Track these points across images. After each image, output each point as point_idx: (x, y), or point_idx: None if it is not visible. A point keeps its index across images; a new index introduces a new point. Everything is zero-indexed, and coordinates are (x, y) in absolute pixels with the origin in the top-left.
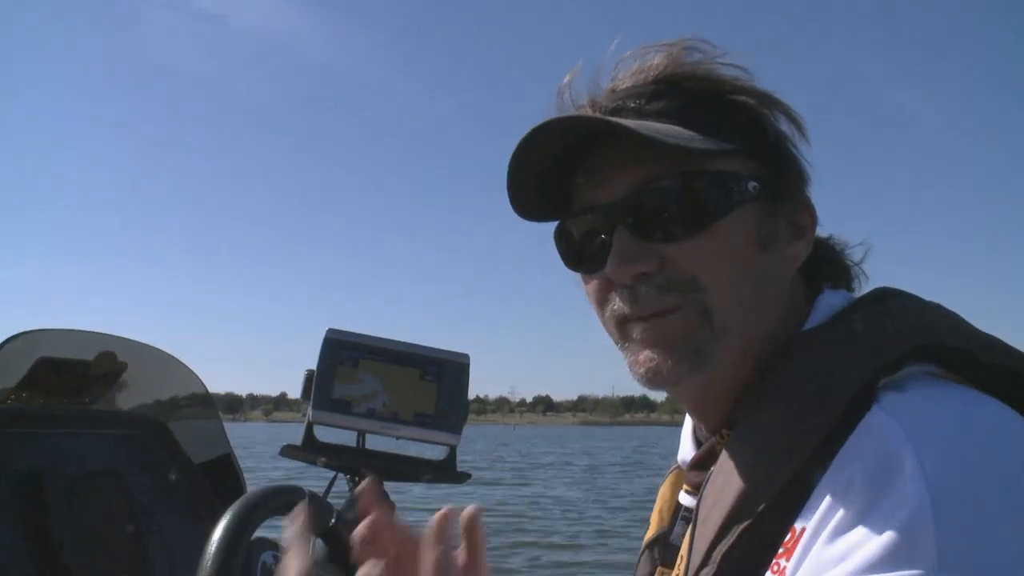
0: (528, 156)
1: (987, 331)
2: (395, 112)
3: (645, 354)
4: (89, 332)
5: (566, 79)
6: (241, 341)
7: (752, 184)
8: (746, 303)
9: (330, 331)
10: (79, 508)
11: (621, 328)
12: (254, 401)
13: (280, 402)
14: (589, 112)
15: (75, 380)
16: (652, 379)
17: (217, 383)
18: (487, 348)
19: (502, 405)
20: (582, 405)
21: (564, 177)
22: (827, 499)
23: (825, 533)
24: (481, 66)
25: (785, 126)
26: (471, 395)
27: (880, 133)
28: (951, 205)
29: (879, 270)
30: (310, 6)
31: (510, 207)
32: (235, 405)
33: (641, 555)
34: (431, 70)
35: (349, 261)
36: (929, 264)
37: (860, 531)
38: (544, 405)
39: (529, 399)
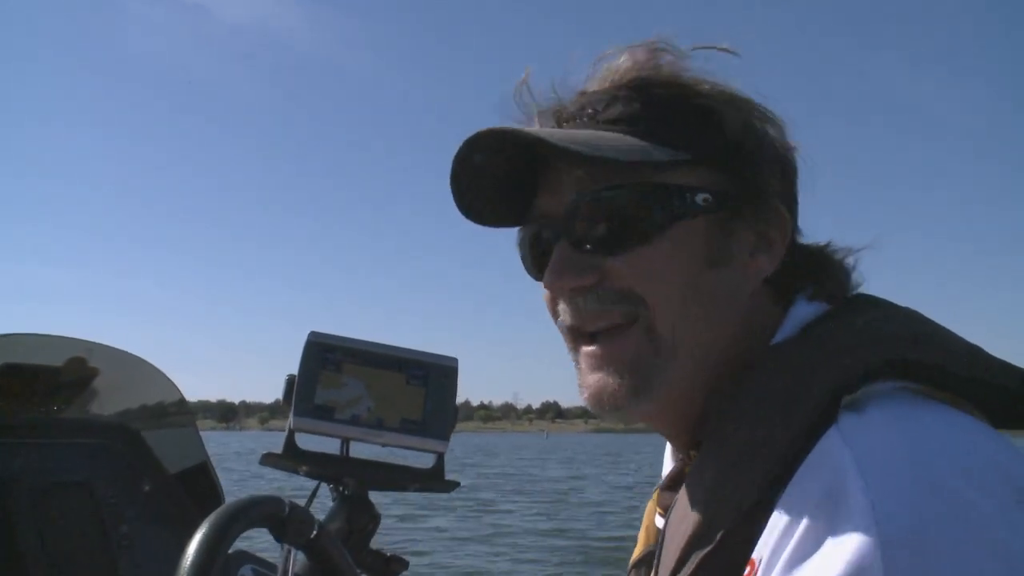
0: (468, 169)
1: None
2: (385, 107)
3: (589, 377)
4: (58, 337)
5: (520, 80)
6: (232, 348)
7: (703, 196)
8: (695, 323)
9: (312, 334)
10: (46, 521)
11: (574, 343)
12: (248, 409)
13: (276, 409)
14: (551, 117)
15: (43, 387)
16: (596, 404)
17: (209, 391)
18: (481, 353)
19: (509, 412)
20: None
21: (527, 184)
22: (779, 530)
23: (777, 569)
24: (473, 63)
25: (771, 131)
26: (475, 401)
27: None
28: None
29: (886, 272)
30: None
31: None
32: (229, 413)
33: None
34: (418, 67)
35: (343, 263)
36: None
37: (809, 568)
38: (554, 412)
39: (534, 405)
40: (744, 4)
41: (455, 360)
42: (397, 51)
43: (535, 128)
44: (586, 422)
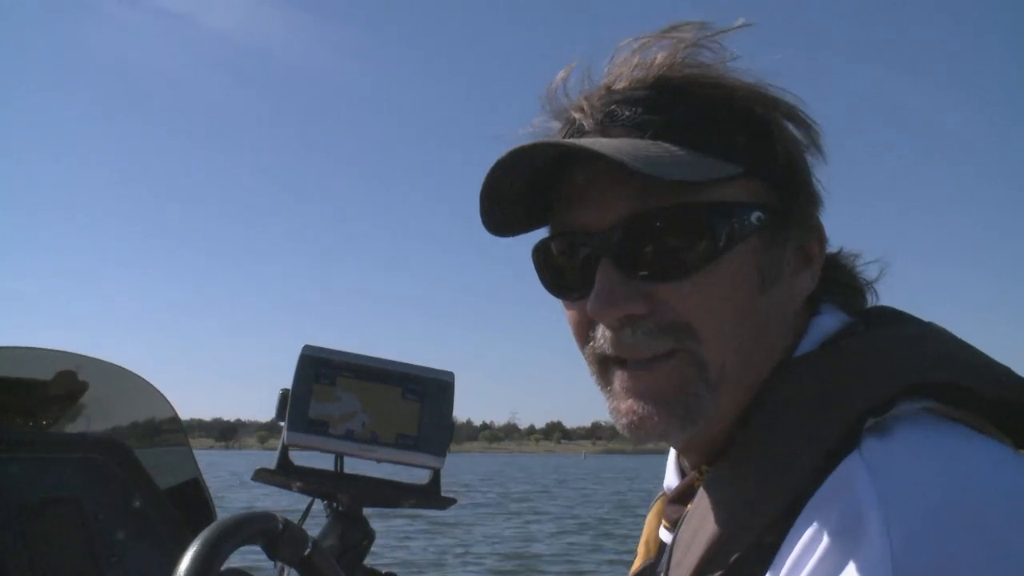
0: (501, 182)
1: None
2: (374, 116)
3: (628, 404)
4: (46, 350)
5: (559, 76)
6: (226, 365)
7: (757, 215)
8: (744, 350)
9: (306, 347)
10: (33, 538)
11: (603, 368)
12: (245, 427)
13: (273, 428)
14: (584, 108)
15: (31, 401)
16: (635, 432)
17: (205, 410)
18: (476, 372)
19: (511, 432)
20: (598, 432)
21: (544, 186)
22: (793, 557)
23: None
24: (466, 67)
25: (802, 140)
26: (476, 422)
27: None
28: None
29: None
30: (279, 5)
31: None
32: (228, 432)
33: None
34: (409, 74)
35: (337, 276)
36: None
37: None
38: (559, 432)
39: (533, 426)
40: (745, 10)
41: (451, 374)
42: (385, 60)
43: (586, 140)
44: (593, 443)
